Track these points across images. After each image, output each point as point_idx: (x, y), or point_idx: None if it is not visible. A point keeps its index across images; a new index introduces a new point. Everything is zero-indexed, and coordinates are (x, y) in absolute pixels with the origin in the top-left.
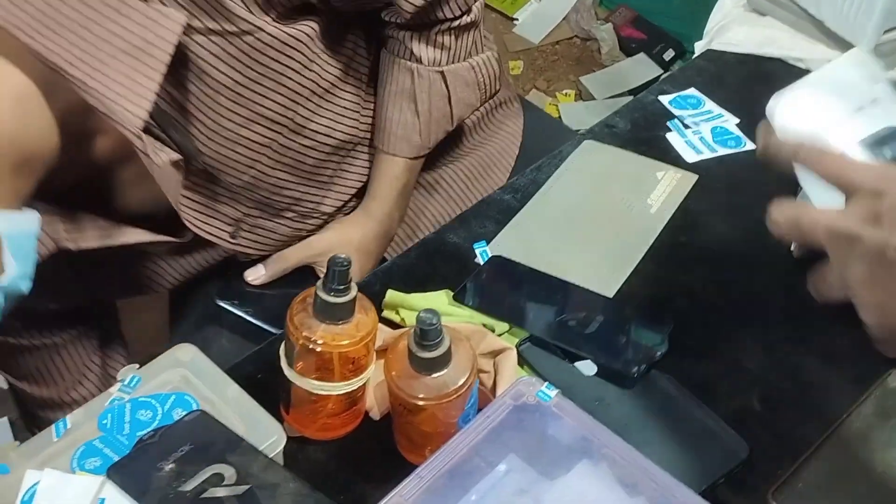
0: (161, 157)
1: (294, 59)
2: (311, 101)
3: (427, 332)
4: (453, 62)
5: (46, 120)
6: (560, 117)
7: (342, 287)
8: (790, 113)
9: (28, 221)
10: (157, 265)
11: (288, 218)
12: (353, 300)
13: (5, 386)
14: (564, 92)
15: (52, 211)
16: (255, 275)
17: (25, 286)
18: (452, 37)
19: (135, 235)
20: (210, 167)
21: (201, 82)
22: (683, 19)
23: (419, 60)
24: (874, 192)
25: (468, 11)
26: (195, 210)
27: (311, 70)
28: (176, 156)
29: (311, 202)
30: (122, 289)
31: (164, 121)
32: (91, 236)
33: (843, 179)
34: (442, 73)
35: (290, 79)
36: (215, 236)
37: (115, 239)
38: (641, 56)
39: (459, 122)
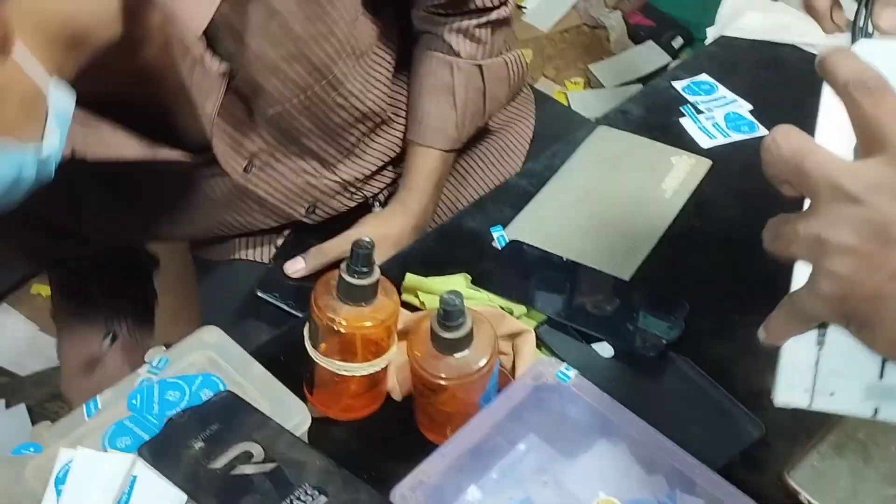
0: (213, 65)
1: (346, 11)
2: (349, 59)
3: (450, 313)
4: (489, 57)
5: (110, 4)
6: (569, 105)
7: (366, 269)
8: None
9: (69, 99)
10: (185, 211)
11: (302, 168)
12: (377, 283)
13: (24, 374)
14: (573, 80)
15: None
16: (295, 267)
17: (53, 167)
18: (489, 31)
19: (144, 150)
20: (240, 92)
21: (259, 4)
22: (692, 7)
23: (458, 54)
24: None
25: (505, 3)
26: (217, 137)
27: (356, 28)
28: (225, 65)
29: (329, 161)
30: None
31: (212, 34)
32: (100, 147)
33: (874, 127)
34: (480, 66)
35: (340, 30)
36: (231, 167)
37: (121, 151)
38: (650, 43)
39: (489, 117)
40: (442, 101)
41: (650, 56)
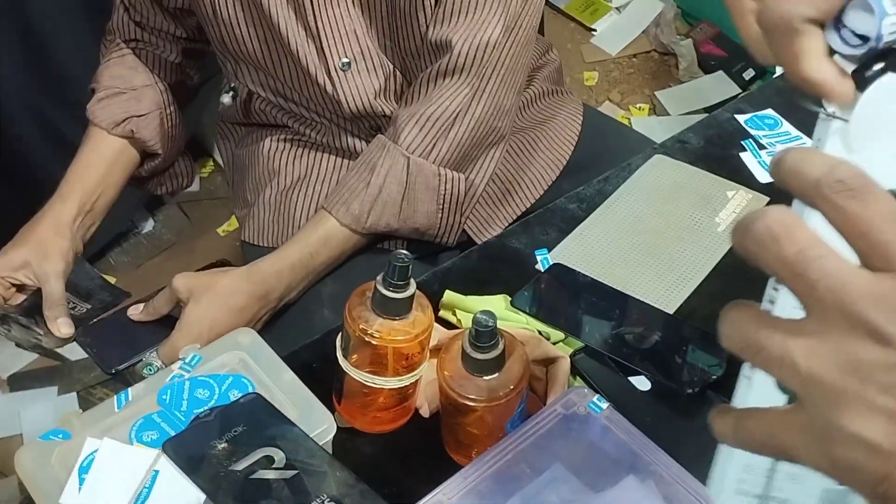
0: None
1: None
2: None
3: (482, 334)
4: (428, 158)
5: None
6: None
7: (402, 283)
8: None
9: None
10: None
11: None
12: (412, 297)
13: (74, 359)
14: (638, 106)
15: None
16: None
17: None
18: (444, 128)
19: None
20: None
21: None
22: None
23: (395, 139)
24: None
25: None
26: None
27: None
28: None
29: (322, 116)
30: None
31: None
32: None
33: (874, 240)
34: (408, 158)
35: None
36: None
37: None
38: (720, 74)
39: (407, 225)
40: (361, 175)
41: (719, 86)
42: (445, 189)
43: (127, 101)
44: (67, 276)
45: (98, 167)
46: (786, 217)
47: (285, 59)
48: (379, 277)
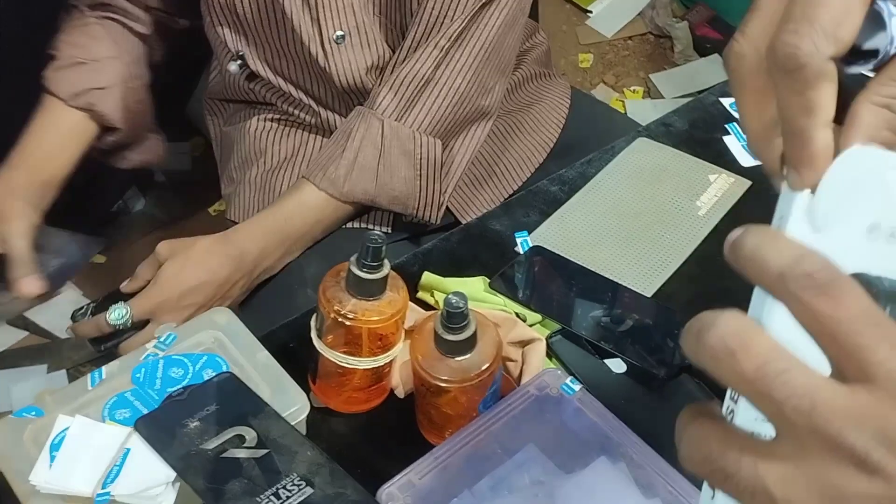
0: None
1: None
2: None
3: (453, 315)
4: (404, 121)
5: None
6: (626, 114)
7: (375, 263)
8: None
9: None
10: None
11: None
12: (386, 277)
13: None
14: (632, 88)
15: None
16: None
17: None
18: (416, 90)
19: None
20: None
21: None
22: None
23: (371, 104)
24: None
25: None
26: None
27: None
28: None
29: (310, 94)
30: None
31: None
32: None
33: (854, 346)
34: (382, 122)
35: None
36: None
37: None
38: (715, 57)
39: (385, 192)
40: (338, 142)
41: (714, 69)
42: (421, 153)
43: (87, 72)
44: (31, 238)
45: (52, 138)
46: (741, 326)
47: (279, 26)
48: (353, 258)
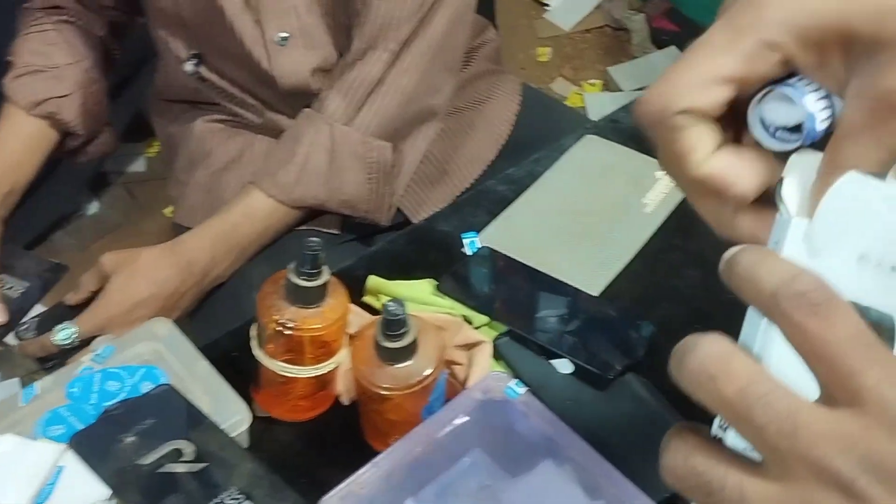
0: None
1: None
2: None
3: (391, 323)
4: (354, 125)
5: None
6: (584, 107)
7: (314, 271)
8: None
9: None
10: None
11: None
12: (325, 284)
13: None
14: (591, 81)
15: None
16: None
17: None
18: (365, 95)
19: None
20: None
21: None
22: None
23: (319, 108)
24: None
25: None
26: None
27: None
28: None
29: (256, 96)
30: None
31: None
32: None
33: (845, 369)
34: (331, 126)
35: None
36: None
37: None
38: (672, 49)
39: (337, 197)
40: (287, 146)
41: (671, 61)
42: (372, 157)
43: (47, 80)
44: None
45: (14, 147)
46: (720, 349)
47: (220, 30)
48: (290, 266)
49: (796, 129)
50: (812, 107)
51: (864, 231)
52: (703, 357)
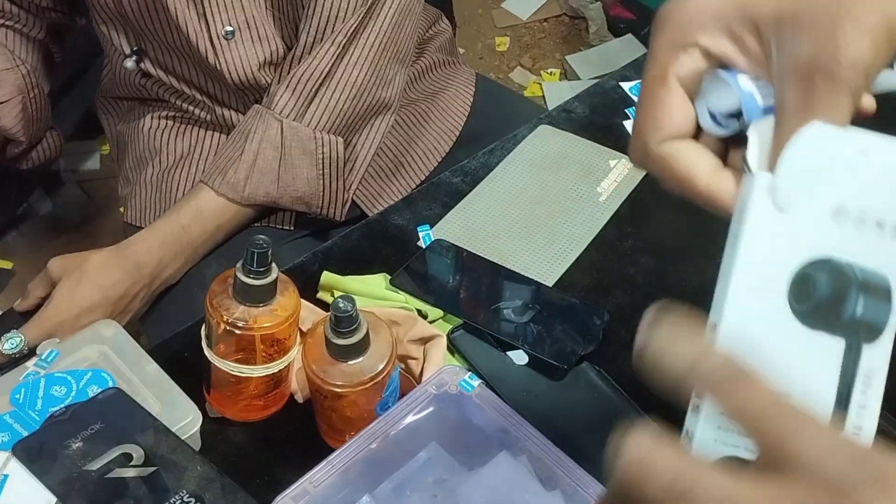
0: None
1: None
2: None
3: (341, 320)
4: (305, 121)
5: None
6: (543, 96)
7: (262, 269)
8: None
9: None
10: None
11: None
12: (274, 282)
13: None
14: (549, 70)
15: None
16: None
17: None
18: (314, 88)
19: None
20: None
21: None
22: None
23: (269, 104)
24: (830, 485)
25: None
26: None
27: None
28: None
29: (204, 91)
30: None
31: None
32: None
33: (771, 438)
34: (280, 122)
35: None
36: None
37: None
38: (629, 37)
39: (289, 193)
40: (236, 144)
41: (629, 49)
42: (323, 153)
43: None
44: None
45: None
46: (641, 450)
47: (165, 25)
48: (238, 264)
49: (740, 113)
50: (747, 86)
51: (837, 183)
52: (626, 463)
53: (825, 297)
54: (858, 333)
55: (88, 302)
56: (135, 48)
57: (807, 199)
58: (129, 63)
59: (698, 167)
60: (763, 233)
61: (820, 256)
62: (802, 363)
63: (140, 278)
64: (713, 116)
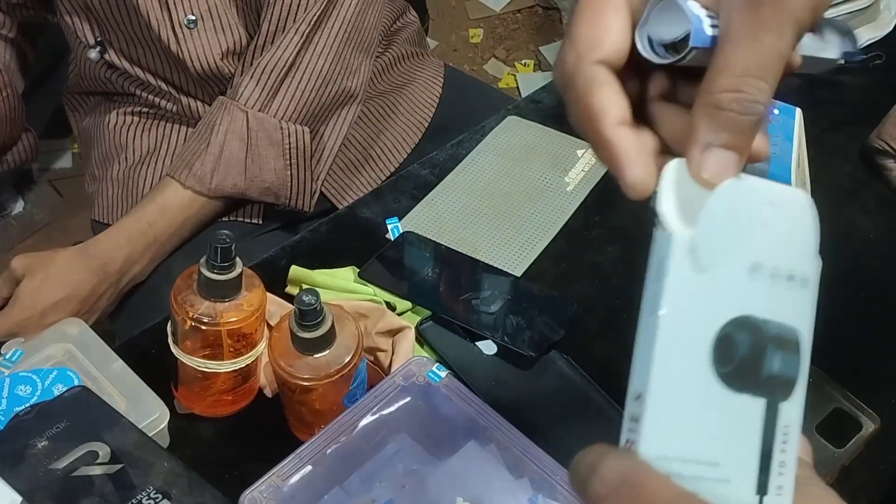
0: None
1: None
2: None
3: (306, 313)
4: (270, 111)
5: None
6: (518, 87)
7: (226, 264)
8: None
9: None
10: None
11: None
12: (239, 276)
13: None
14: (523, 62)
15: None
16: None
17: None
18: (279, 79)
19: None
20: None
21: None
22: None
23: (234, 95)
24: None
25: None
26: None
27: None
28: None
29: (169, 81)
30: None
31: None
32: None
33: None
34: (246, 114)
35: None
36: None
37: None
38: None
39: (255, 184)
40: (202, 136)
41: None
42: (290, 143)
43: None
44: None
45: None
46: (623, 471)
47: (128, 13)
48: (203, 260)
49: (684, 42)
50: (697, 10)
51: (752, 238)
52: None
53: (746, 357)
54: (776, 390)
55: (53, 299)
56: (98, 39)
57: (724, 257)
58: (93, 54)
59: (611, 108)
60: (684, 295)
61: (739, 315)
62: (729, 429)
63: (107, 276)
64: (650, 43)
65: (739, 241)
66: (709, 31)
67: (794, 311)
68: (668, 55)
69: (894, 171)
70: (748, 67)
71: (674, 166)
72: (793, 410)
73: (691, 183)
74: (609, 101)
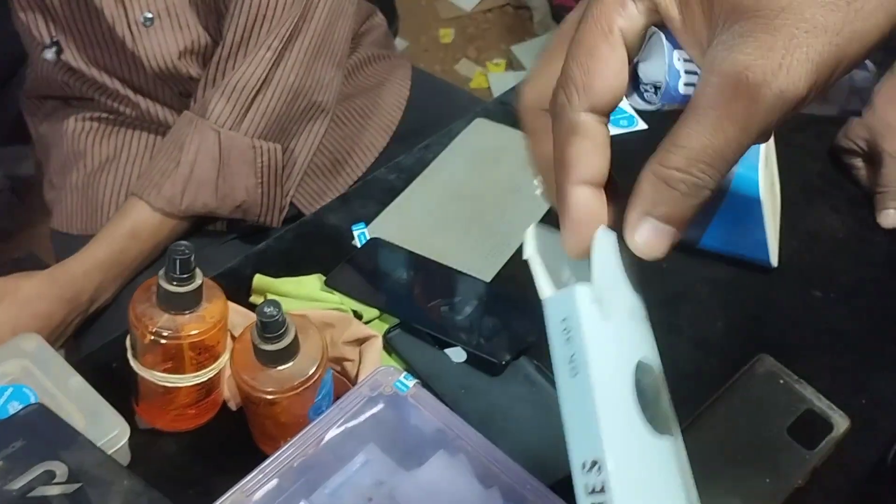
0: None
1: None
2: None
3: (267, 325)
4: (241, 129)
5: None
6: (489, 87)
7: (185, 276)
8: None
9: None
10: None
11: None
12: (199, 288)
13: None
14: (495, 61)
15: None
16: None
17: None
18: (250, 97)
19: None
20: None
21: None
22: None
23: (204, 114)
24: None
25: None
26: None
27: None
28: None
29: (126, 82)
30: None
31: None
32: None
33: None
34: (218, 133)
35: None
36: None
37: None
38: None
39: (228, 203)
40: (170, 154)
41: None
42: (262, 161)
43: None
44: None
45: None
46: None
47: (84, 11)
48: (161, 272)
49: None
50: (679, 63)
51: (622, 284)
52: None
53: (651, 401)
54: (670, 427)
55: (23, 331)
56: (55, 38)
57: (615, 303)
58: (49, 54)
59: (580, 164)
60: (602, 348)
61: (639, 359)
62: (666, 476)
63: (78, 306)
64: (638, 83)
65: (617, 287)
66: (682, 90)
67: (652, 346)
68: (652, 95)
69: (862, 170)
70: (704, 152)
71: (532, 233)
72: (679, 440)
73: (553, 244)
74: (581, 156)
